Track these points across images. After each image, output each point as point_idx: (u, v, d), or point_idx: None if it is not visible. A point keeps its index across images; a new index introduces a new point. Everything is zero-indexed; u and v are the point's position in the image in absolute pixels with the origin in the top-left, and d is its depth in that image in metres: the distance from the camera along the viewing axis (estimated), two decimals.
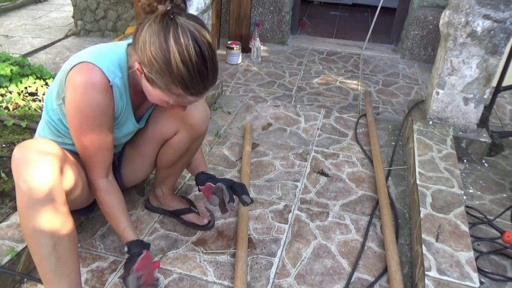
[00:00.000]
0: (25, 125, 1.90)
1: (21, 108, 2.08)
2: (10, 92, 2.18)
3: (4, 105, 2.08)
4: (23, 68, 2.32)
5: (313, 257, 1.44)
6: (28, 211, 0.95)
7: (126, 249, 1.18)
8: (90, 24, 3.77)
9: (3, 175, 1.57)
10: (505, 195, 1.78)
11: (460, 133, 1.99)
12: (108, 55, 1.08)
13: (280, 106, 2.51)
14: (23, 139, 1.80)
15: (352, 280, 1.35)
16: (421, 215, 1.44)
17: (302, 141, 2.14)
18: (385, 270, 1.38)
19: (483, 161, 2.01)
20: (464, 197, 1.74)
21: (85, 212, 1.34)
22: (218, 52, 3.37)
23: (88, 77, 1.02)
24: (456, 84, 1.92)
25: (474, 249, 1.40)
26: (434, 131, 1.96)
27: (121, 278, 1.14)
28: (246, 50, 3.36)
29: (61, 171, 1.00)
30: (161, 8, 0.96)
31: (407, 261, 1.44)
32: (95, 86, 1.03)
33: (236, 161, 1.96)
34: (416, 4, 3.17)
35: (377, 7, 3.43)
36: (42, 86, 2.26)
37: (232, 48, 3.14)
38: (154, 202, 1.60)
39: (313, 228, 1.57)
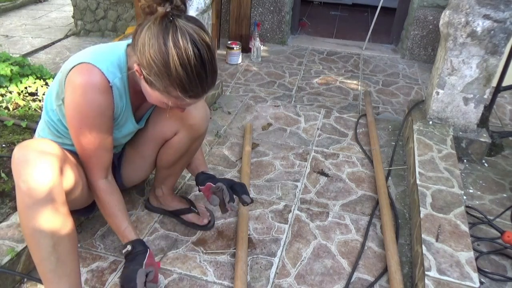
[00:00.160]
0: (25, 125, 1.90)
1: (21, 108, 2.08)
2: (10, 92, 2.18)
3: (4, 105, 2.08)
4: (23, 68, 2.32)
5: (313, 257, 1.44)
6: (28, 211, 0.95)
7: (129, 247, 1.17)
8: (90, 24, 3.77)
9: (3, 175, 1.57)
10: (505, 195, 1.78)
11: (460, 133, 1.99)
12: (107, 55, 1.08)
13: (280, 106, 2.51)
14: (23, 139, 1.80)
15: (352, 280, 1.35)
16: (421, 215, 1.44)
17: (302, 141, 2.14)
18: (385, 270, 1.38)
19: (483, 161, 2.01)
20: (464, 197, 1.74)
21: (85, 212, 1.34)
22: (218, 52, 3.37)
23: (88, 77, 1.02)
24: (456, 84, 1.92)
25: (474, 249, 1.40)
26: (434, 131, 1.96)
27: (122, 277, 1.13)
28: (246, 50, 3.36)
29: (61, 171, 1.00)
30: (160, 10, 0.95)
31: (407, 261, 1.44)
32: (95, 86, 1.03)
33: (236, 161, 1.96)
34: (416, 4, 3.17)
35: (377, 7, 3.43)
36: (42, 86, 2.26)
37: (232, 48, 3.14)
38: (154, 202, 1.60)
39: (313, 228, 1.57)
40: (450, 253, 1.29)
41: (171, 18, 0.95)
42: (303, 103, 2.59)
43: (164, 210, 1.58)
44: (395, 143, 2.09)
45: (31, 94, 2.24)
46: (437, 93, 1.97)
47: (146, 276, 1.11)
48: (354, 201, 1.72)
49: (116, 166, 1.41)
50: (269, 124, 2.29)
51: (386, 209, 1.59)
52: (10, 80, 2.23)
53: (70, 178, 1.07)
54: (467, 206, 1.65)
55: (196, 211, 1.56)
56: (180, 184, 1.78)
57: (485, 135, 1.99)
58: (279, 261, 1.42)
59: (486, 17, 1.74)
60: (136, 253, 1.16)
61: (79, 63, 1.03)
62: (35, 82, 2.27)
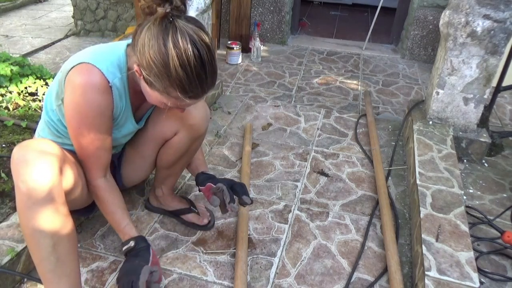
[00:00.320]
0: (25, 125, 1.90)
1: (21, 108, 2.08)
2: (10, 92, 2.18)
3: (4, 105, 2.08)
4: (23, 68, 2.32)
5: (313, 257, 1.44)
6: (28, 211, 0.95)
7: (131, 243, 1.15)
8: (90, 24, 3.77)
9: (3, 175, 1.57)
10: (505, 195, 1.78)
11: (460, 133, 1.99)
12: (107, 55, 1.08)
13: (280, 106, 2.51)
14: (23, 139, 1.80)
15: (352, 280, 1.35)
16: (421, 215, 1.44)
17: (302, 141, 2.14)
18: (385, 270, 1.38)
19: (483, 161, 2.01)
20: (464, 197, 1.74)
21: (85, 212, 1.34)
22: (218, 52, 3.37)
23: (88, 77, 1.02)
24: (456, 84, 1.92)
25: (474, 249, 1.40)
26: (434, 131, 1.96)
27: (123, 269, 1.09)
28: (246, 50, 3.36)
29: (61, 171, 1.00)
30: (160, 10, 0.95)
31: (407, 261, 1.44)
32: (95, 86, 1.03)
33: (236, 161, 1.96)
34: (416, 4, 3.17)
35: (377, 7, 3.43)
36: (42, 86, 2.26)
37: (232, 48, 3.14)
38: (154, 202, 1.60)
39: (313, 228, 1.57)
40: (450, 253, 1.29)
41: (171, 19, 0.95)
42: (303, 103, 2.59)
43: (164, 210, 1.58)
44: (395, 143, 2.09)
45: (31, 94, 2.24)
46: (437, 93, 1.97)
47: (151, 274, 1.06)
48: (354, 201, 1.72)
49: (116, 166, 1.41)
50: (269, 124, 2.29)
51: (386, 209, 1.59)
52: (10, 80, 2.23)
53: (69, 178, 1.07)
54: (467, 206, 1.65)
55: (196, 211, 1.56)
56: (180, 184, 1.78)
57: (485, 135, 1.99)
58: (279, 261, 1.42)
59: (486, 17, 1.74)
60: (139, 249, 1.15)
61: (78, 63, 1.03)
62: (35, 82, 2.27)
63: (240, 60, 3.22)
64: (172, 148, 1.38)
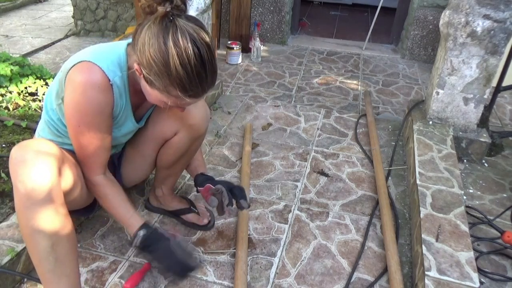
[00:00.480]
0: (25, 125, 1.90)
1: (21, 108, 2.08)
2: (10, 92, 2.18)
3: (4, 105, 2.08)
4: (23, 68, 2.32)
5: (313, 257, 1.44)
6: (26, 212, 0.95)
7: (143, 231, 1.16)
8: (90, 24, 3.77)
9: (3, 175, 1.57)
10: (505, 195, 1.78)
11: (460, 133, 1.99)
12: (108, 54, 1.08)
13: (280, 106, 2.51)
14: (23, 139, 1.80)
15: (352, 280, 1.35)
16: (421, 215, 1.44)
17: (302, 141, 2.14)
18: (385, 270, 1.38)
19: (483, 161, 2.01)
20: (464, 197, 1.74)
21: (85, 212, 1.34)
22: (218, 52, 3.37)
23: (88, 76, 1.02)
24: (456, 84, 1.92)
25: (474, 249, 1.40)
26: (434, 131, 1.96)
27: (159, 257, 1.16)
28: (246, 50, 3.36)
29: (60, 171, 1.00)
30: (160, 9, 0.96)
31: (407, 261, 1.44)
32: (95, 85, 1.03)
33: (236, 161, 1.96)
34: (416, 4, 3.17)
35: (377, 7, 3.43)
36: (42, 86, 2.26)
37: (232, 48, 3.14)
38: (154, 202, 1.60)
39: (313, 228, 1.57)
40: (450, 253, 1.29)
41: (171, 18, 0.95)
42: (303, 103, 2.59)
43: (164, 210, 1.58)
44: (395, 143, 2.09)
45: (31, 94, 2.24)
46: (437, 93, 1.97)
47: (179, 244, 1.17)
48: (354, 201, 1.72)
49: (116, 166, 1.41)
50: (269, 124, 2.29)
51: (386, 209, 1.59)
52: (10, 80, 2.23)
53: (69, 178, 1.06)
54: (467, 206, 1.65)
55: (196, 211, 1.56)
56: (180, 184, 1.78)
57: (485, 135, 1.99)
58: (279, 261, 1.42)
59: (486, 17, 1.74)
60: (151, 235, 1.17)
61: (79, 62, 1.03)
62: (35, 82, 2.27)
63: (240, 60, 3.22)
64: (172, 148, 1.38)
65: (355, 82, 2.93)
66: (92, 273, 1.34)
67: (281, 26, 3.54)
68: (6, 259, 1.22)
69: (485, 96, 1.92)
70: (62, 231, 1.00)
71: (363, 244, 1.49)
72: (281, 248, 1.47)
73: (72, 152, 1.17)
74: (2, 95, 2.16)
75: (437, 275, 1.22)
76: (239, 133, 2.19)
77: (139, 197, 1.70)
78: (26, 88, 2.23)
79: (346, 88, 2.83)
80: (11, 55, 2.45)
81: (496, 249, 1.47)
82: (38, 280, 1.26)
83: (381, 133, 2.23)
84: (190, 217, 1.54)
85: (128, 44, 1.12)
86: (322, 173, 1.89)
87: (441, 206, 1.49)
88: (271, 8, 3.46)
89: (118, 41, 1.16)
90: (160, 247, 1.16)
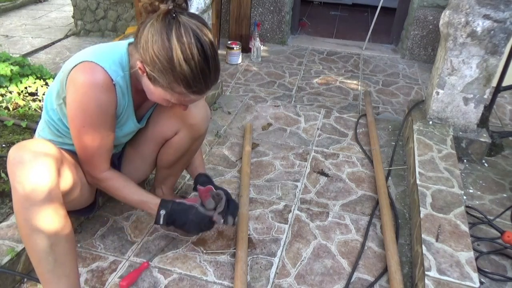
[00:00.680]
0: (25, 125, 1.90)
1: (21, 108, 2.08)
2: (10, 92, 2.18)
3: (4, 105, 2.08)
4: (23, 68, 2.32)
5: (313, 257, 1.44)
6: (25, 212, 0.95)
7: (163, 212, 1.22)
8: (90, 24, 3.77)
9: (3, 175, 1.57)
10: (505, 195, 1.78)
11: (460, 133, 1.99)
12: (109, 54, 1.08)
13: (280, 106, 2.51)
14: (23, 139, 1.80)
15: (352, 280, 1.35)
16: (421, 215, 1.44)
17: (302, 141, 2.14)
18: (385, 270, 1.38)
19: (483, 161, 2.01)
20: (464, 197, 1.74)
21: (85, 212, 1.34)
22: (218, 52, 3.36)
23: (91, 76, 1.02)
24: (456, 84, 1.92)
25: (474, 249, 1.40)
26: (434, 131, 1.96)
27: (191, 224, 1.26)
28: (246, 50, 3.36)
29: (59, 172, 1.00)
30: (163, 7, 0.96)
31: (407, 261, 1.44)
32: (98, 85, 1.03)
33: (236, 161, 1.96)
34: (416, 4, 3.17)
35: (377, 7, 3.43)
36: (42, 86, 2.26)
37: (232, 48, 3.14)
38: None
39: (313, 228, 1.57)
40: (450, 253, 1.29)
41: (174, 15, 0.96)
42: (303, 103, 2.59)
43: None
44: (395, 143, 2.09)
45: (31, 94, 2.24)
46: (437, 93, 1.97)
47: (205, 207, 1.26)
48: (354, 201, 1.72)
49: (116, 166, 1.41)
50: (269, 124, 2.29)
51: (386, 209, 1.59)
52: (10, 80, 2.23)
53: (68, 178, 1.06)
54: (467, 206, 1.65)
55: None
56: (180, 184, 1.78)
57: (485, 135, 1.99)
58: (279, 261, 1.42)
59: (486, 17, 1.74)
60: (171, 211, 1.23)
61: (81, 62, 1.03)
62: (35, 82, 2.27)
63: (240, 60, 3.22)
64: (172, 148, 1.38)
65: (355, 82, 2.93)
66: (92, 273, 1.34)
67: (281, 26, 3.54)
68: (6, 259, 1.22)
69: (485, 96, 1.92)
70: (61, 231, 1.00)
71: (363, 244, 1.49)
72: (281, 248, 1.47)
73: (71, 152, 1.17)
74: (2, 95, 2.16)
75: (437, 275, 1.22)
76: (239, 133, 2.19)
77: None
78: (26, 88, 2.23)
79: (346, 88, 2.83)
80: (11, 55, 2.45)
81: (496, 249, 1.47)
82: (38, 280, 1.25)
83: (381, 133, 2.23)
84: None
85: (129, 44, 1.12)
86: (322, 173, 1.89)
87: (441, 206, 1.49)
88: (271, 8, 3.46)
89: (119, 41, 1.16)
90: (181, 220, 1.24)
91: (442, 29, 1.91)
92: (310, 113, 2.43)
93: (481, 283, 1.35)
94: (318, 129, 2.26)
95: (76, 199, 1.15)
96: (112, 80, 1.05)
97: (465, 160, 2.00)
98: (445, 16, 1.87)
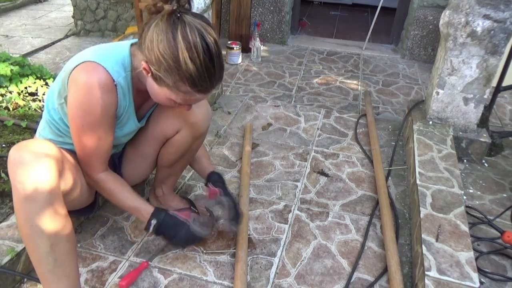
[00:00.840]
0: (25, 125, 1.90)
1: (21, 108, 2.08)
2: (10, 92, 2.18)
3: (4, 105, 2.08)
4: (23, 68, 2.32)
5: (313, 257, 1.44)
6: (25, 212, 0.95)
7: (154, 221, 1.21)
8: (90, 24, 3.77)
9: (3, 175, 1.57)
10: (505, 195, 1.78)
11: (460, 133, 1.99)
12: (112, 54, 1.08)
13: (280, 106, 2.51)
14: (23, 139, 1.80)
15: (352, 280, 1.35)
16: (421, 215, 1.44)
17: (302, 141, 2.14)
18: (385, 270, 1.38)
19: (483, 161, 2.01)
20: (464, 197, 1.74)
21: (85, 212, 1.34)
22: None
23: (93, 76, 1.03)
24: (456, 84, 1.92)
25: (474, 249, 1.40)
26: (434, 131, 1.96)
27: (181, 239, 1.27)
28: (246, 50, 3.36)
29: (59, 172, 1.00)
30: (167, 7, 0.97)
31: (407, 261, 1.44)
32: (100, 85, 1.03)
33: (236, 161, 1.96)
34: (416, 4, 3.17)
35: (377, 7, 3.43)
36: (42, 86, 2.26)
37: (232, 48, 3.14)
38: (154, 202, 1.59)
39: (313, 228, 1.57)
40: (450, 253, 1.29)
41: (179, 15, 0.97)
42: (303, 103, 2.59)
43: None
44: (395, 143, 2.09)
45: (31, 94, 2.24)
46: (437, 93, 1.97)
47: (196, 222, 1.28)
48: (354, 201, 1.72)
49: (117, 166, 1.41)
50: (269, 124, 2.29)
51: (386, 209, 1.59)
52: (10, 80, 2.22)
53: (68, 179, 1.06)
54: (467, 206, 1.65)
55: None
56: (180, 184, 1.78)
57: (485, 135, 1.99)
58: (279, 261, 1.42)
59: (486, 17, 1.74)
60: (164, 220, 1.23)
61: (83, 62, 1.03)
62: (35, 82, 2.27)
63: (240, 60, 3.22)
64: (173, 147, 1.38)
65: (355, 82, 2.93)
66: (92, 273, 1.34)
67: (281, 26, 3.54)
68: (6, 259, 1.22)
69: (485, 96, 1.92)
70: (61, 231, 1.00)
71: (363, 244, 1.49)
72: (281, 248, 1.47)
73: (72, 152, 1.17)
74: (2, 95, 2.16)
75: (437, 275, 1.22)
76: (239, 133, 2.19)
77: None
78: (26, 88, 2.23)
79: (346, 88, 2.83)
80: (11, 55, 2.45)
81: (496, 249, 1.47)
82: (38, 280, 1.25)
83: (381, 133, 2.23)
84: None
85: (132, 45, 1.12)
86: (322, 173, 1.89)
87: (441, 206, 1.49)
88: (271, 8, 3.46)
89: (121, 41, 1.17)
90: (170, 234, 1.26)
91: (442, 29, 1.91)
92: (310, 113, 2.43)
93: (481, 283, 1.35)
94: (318, 129, 2.26)
95: (76, 199, 1.15)
96: (113, 80, 1.06)
97: (465, 160, 2.00)
98: (445, 16, 1.87)
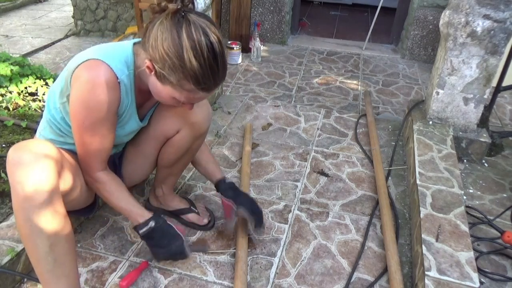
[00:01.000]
0: (25, 125, 1.90)
1: (21, 108, 2.08)
2: (10, 92, 2.18)
3: (4, 105, 2.08)
4: (23, 68, 2.32)
5: (313, 257, 1.44)
6: (24, 213, 0.95)
7: (152, 223, 1.22)
8: (90, 24, 3.77)
9: (3, 175, 1.57)
10: (505, 195, 1.78)
11: (460, 133, 1.99)
12: (115, 53, 1.08)
13: (280, 106, 2.51)
14: (23, 139, 1.80)
15: (352, 280, 1.35)
16: (421, 215, 1.44)
17: (302, 141, 2.14)
18: (385, 270, 1.38)
19: (483, 161, 2.01)
20: (464, 197, 1.74)
21: (85, 212, 1.34)
22: None
23: (97, 73, 1.03)
24: (456, 84, 1.92)
25: (474, 249, 1.40)
26: (434, 131, 1.96)
27: (167, 253, 1.28)
28: (246, 50, 3.36)
29: (58, 172, 1.00)
30: (171, 6, 0.97)
31: (407, 261, 1.44)
32: (103, 82, 1.03)
33: (236, 161, 1.96)
34: (416, 4, 3.17)
35: (377, 7, 3.43)
36: (42, 86, 2.26)
37: (232, 48, 3.14)
38: (154, 202, 1.59)
39: (313, 228, 1.57)
40: (450, 253, 1.29)
41: (183, 13, 0.98)
42: (303, 103, 2.59)
43: (164, 210, 1.58)
44: (395, 143, 2.09)
45: (31, 94, 2.24)
46: (437, 93, 1.97)
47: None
48: (354, 201, 1.72)
49: (117, 166, 1.41)
50: (269, 124, 2.29)
51: (386, 209, 1.59)
52: (10, 80, 2.22)
53: (68, 179, 1.06)
54: (467, 206, 1.65)
55: (196, 211, 1.56)
56: (180, 184, 1.78)
57: (485, 135, 1.99)
58: (279, 261, 1.42)
59: (486, 17, 1.74)
60: (161, 226, 1.24)
61: (87, 60, 1.04)
62: (35, 82, 2.27)
63: (240, 60, 3.22)
64: (173, 147, 1.38)
65: (355, 82, 2.93)
66: (92, 273, 1.34)
67: (281, 26, 3.54)
68: (6, 259, 1.22)
69: (485, 96, 1.92)
70: (60, 231, 1.00)
71: (363, 244, 1.49)
72: (281, 248, 1.47)
73: (72, 153, 1.17)
74: (2, 95, 2.16)
75: (437, 275, 1.22)
76: (239, 133, 2.19)
77: (139, 197, 1.70)
78: (26, 88, 2.23)
79: (346, 88, 2.83)
80: (11, 55, 2.45)
81: (496, 249, 1.47)
82: (38, 280, 1.25)
83: (381, 133, 2.23)
84: (190, 217, 1.54)
85: (134, 44, 1.13)
86: (322, 173, 1.89)
87: (441, 206, 1.49)
88: (271, 8, 3.46)
89: (123, 41, 1.17)
90: (160, 242, 1.26)
91: (442, 29, 1.91)
92: (310, 113, 2.43)
93: (481, 283, 1.35)
94: (318, 129, 2.26)
95: (76, 199, 1.15)
96: (117, 78, 1.06)
97: (465, 160, 2.00)
98: (445, 16, 1.87)
